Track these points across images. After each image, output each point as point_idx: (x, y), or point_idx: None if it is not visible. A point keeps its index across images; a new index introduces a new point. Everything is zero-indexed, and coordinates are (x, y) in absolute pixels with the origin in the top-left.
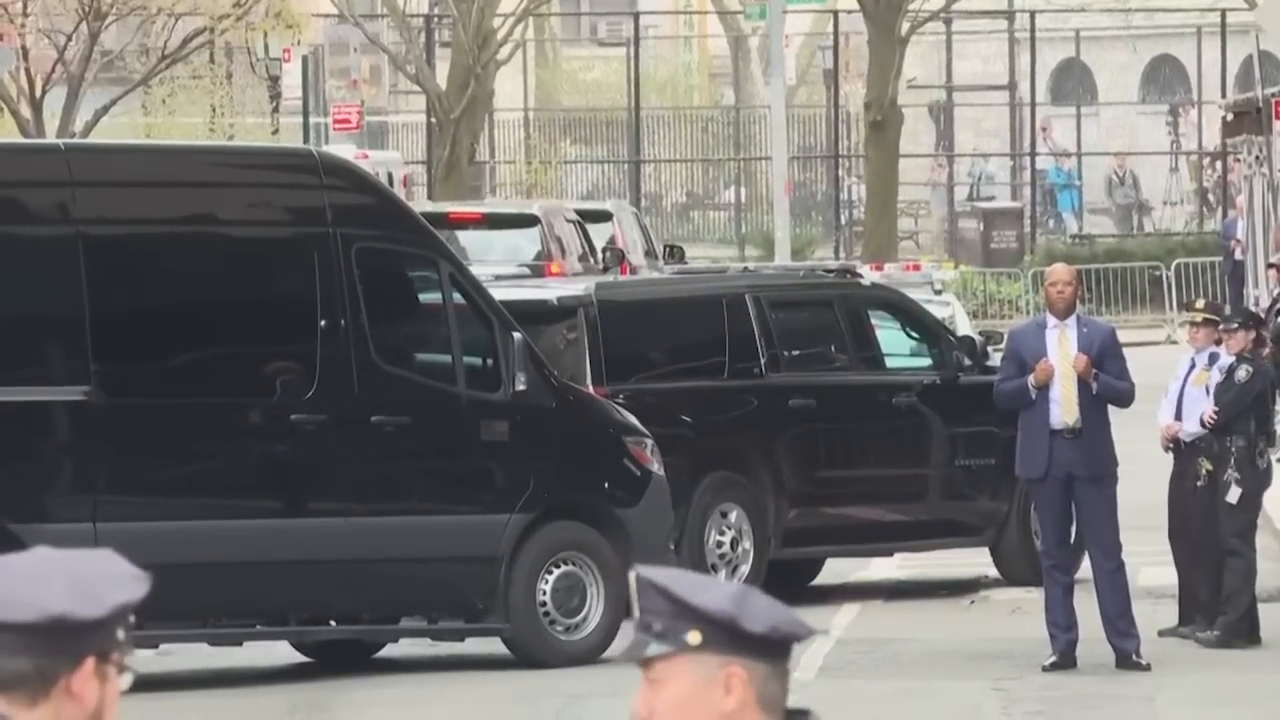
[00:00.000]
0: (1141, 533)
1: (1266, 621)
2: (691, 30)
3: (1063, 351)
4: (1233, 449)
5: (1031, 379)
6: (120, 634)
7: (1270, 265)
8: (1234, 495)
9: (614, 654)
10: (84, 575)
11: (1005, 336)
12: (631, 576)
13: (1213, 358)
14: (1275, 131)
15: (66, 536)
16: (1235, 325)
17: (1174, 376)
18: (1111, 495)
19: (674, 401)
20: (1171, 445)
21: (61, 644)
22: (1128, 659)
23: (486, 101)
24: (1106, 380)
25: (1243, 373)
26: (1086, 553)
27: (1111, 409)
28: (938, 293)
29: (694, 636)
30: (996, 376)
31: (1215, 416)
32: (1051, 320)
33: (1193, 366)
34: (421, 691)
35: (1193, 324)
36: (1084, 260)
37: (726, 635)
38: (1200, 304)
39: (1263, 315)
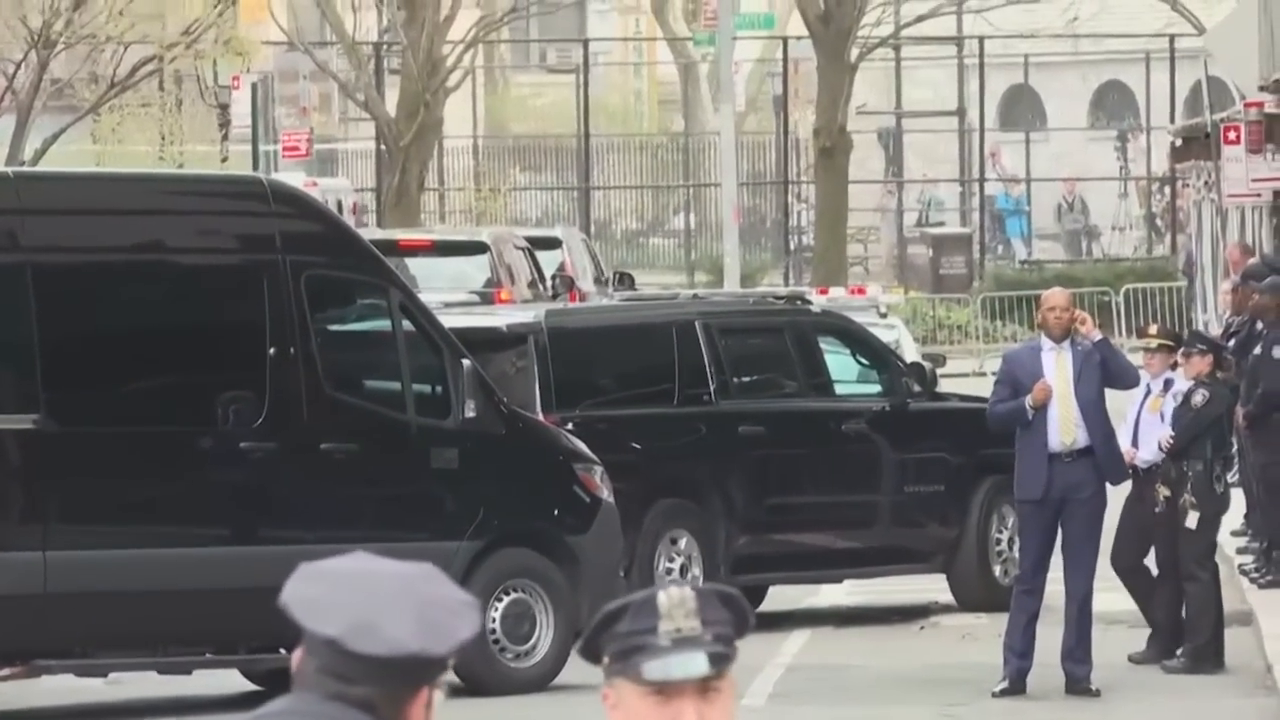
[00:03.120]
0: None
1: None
2: (641, 57)
3: (1060, 373)
4: (1190, 474)
5: (1029, 400)
6: (451, 661)
7: (1233, 288)
8: (1192, 520)
9: (680, 674)
10: (431, 605)
11: (1000, 359)
12: (685, 591)
13: (1168, 384)
14: (1224, 157)
15: (15, 565)
16: (1195, 350)
17: (1131, 402)
18: (1099, 519)
19: (624, 428)
20: (1129, 471)
21: (408, 676)
22: (1078, 685)
23: (436, 128)
24: (1112, 346)
25: (1199, 397)
26: (1054, 575)
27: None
28: (883, 316)
29: (737, 644)
30: (990, 398)
31: (1172, 441)
32: (1048, 343)
33: (1148, 392)
34: None
35: (1147, 350)
36: (1033, 286)
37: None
38: (1154, 330)
39: (1220, 340)
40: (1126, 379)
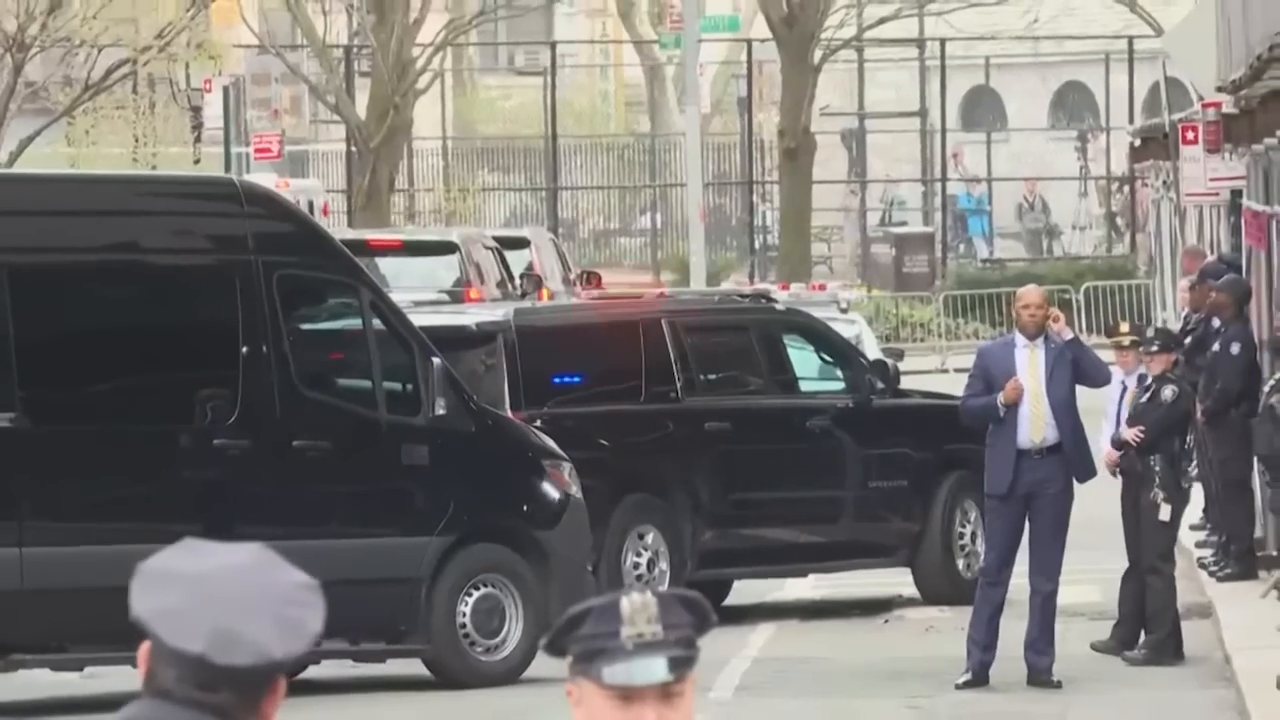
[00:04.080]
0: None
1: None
2: (608, 59)
3: (1033, 371)
4: (1156, 468)
5: (1001, 397)
6: None
7: (1191, 286)
8: (1165, 514)
9: (638, 677)
10: (281, 600)
11: (975, 354)
12: (647, 596)
13: (1141, 379)
14: (1182, 156)
15: None
16: (1155, 347)
17: (1109, 400)
18: (1066, 513)
19: (592, 425)
20: (1118, 469)
21: (267, 677)
22: (1039, 677)
23: (405, 130)
24: (1085, 346)
25: (1168, 392)
26: (1019, 569)
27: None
28: (843, 311)
29: (699, 646)
30: (963, 393)
31: (1141, 436)
32: (1021, 340)
33: (1125, 390)
34: (343, 713)
35: (1119, 347)
36: (994, 284)
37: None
38: (1125, 327)
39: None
40: (1098, 376)
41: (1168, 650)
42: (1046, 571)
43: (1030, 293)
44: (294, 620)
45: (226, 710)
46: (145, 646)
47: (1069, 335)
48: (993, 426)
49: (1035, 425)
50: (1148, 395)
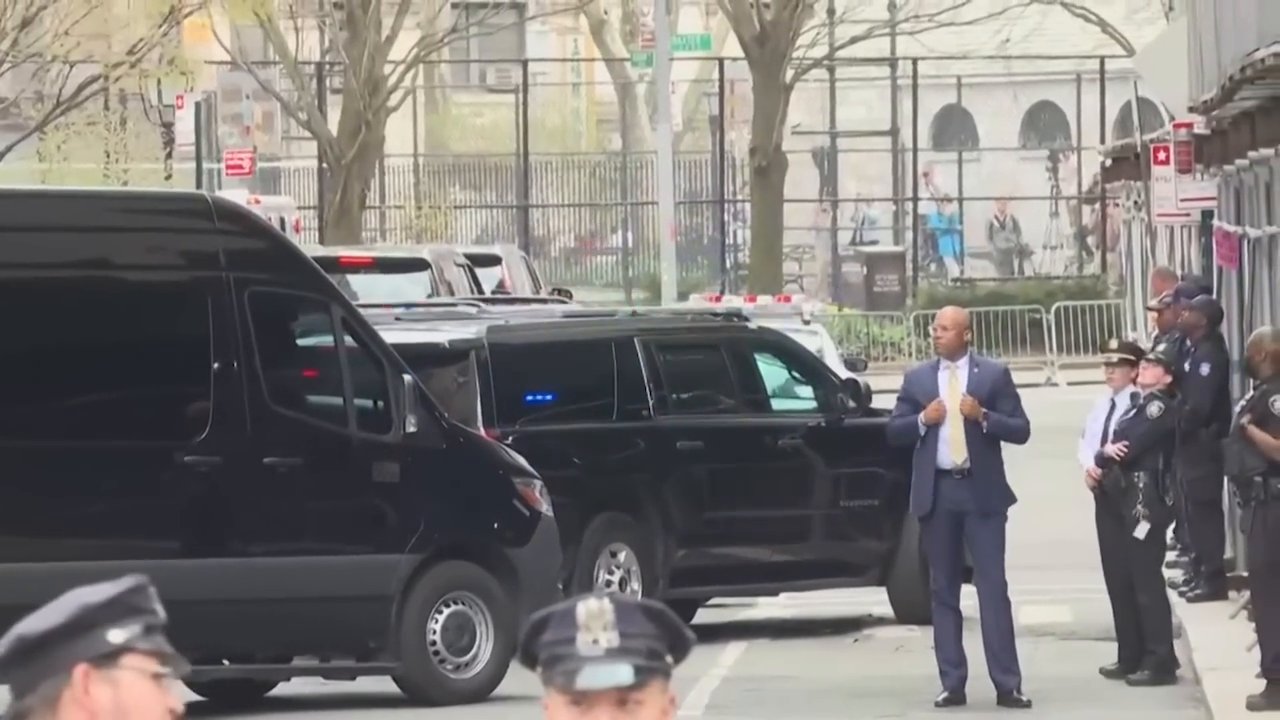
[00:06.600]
0: (1027, 571)
1: None
2: (579, 77)
3: (953, 392)
4: (1140, 484)
5: (922, 417)
6: (117, 637)
7: (1149, 308)
8: (1142, 531)
9: (591, 682)
10: (67, 596)
11: (902, 377)
12: (604, 603)
13: (1134, 397)
14: (1153, 176)
15: None
16: (1152, 360)
17: (1092, 417)
18: (999, 532)
19: (564, 443)
20: (1097, 486)
21: (43, 663)
22: (1008, 695)
23: (377, 147)
24: (998, 419)
25: (1155, 408)
26: (973, 587)
27: (1008, 446)
28: (806, 323)
29: (669, 660)
30: (891, 414)
31: (1125, 451)
32: (944, 361)
33: (1113, 408)
34: None
35: (1108, 364)
36: (965, 303)
37: (678, 661)
38: (1114, 344)
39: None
40: (1017, 439)
41: (1169, 668)
42: (993, 591)
43: (944, 314)
44: (53, 607)
45: (29, 712)
46: None
47: (984, 421)
48: (917, 447)
49: (955, 446)
50: (1134, 410)
